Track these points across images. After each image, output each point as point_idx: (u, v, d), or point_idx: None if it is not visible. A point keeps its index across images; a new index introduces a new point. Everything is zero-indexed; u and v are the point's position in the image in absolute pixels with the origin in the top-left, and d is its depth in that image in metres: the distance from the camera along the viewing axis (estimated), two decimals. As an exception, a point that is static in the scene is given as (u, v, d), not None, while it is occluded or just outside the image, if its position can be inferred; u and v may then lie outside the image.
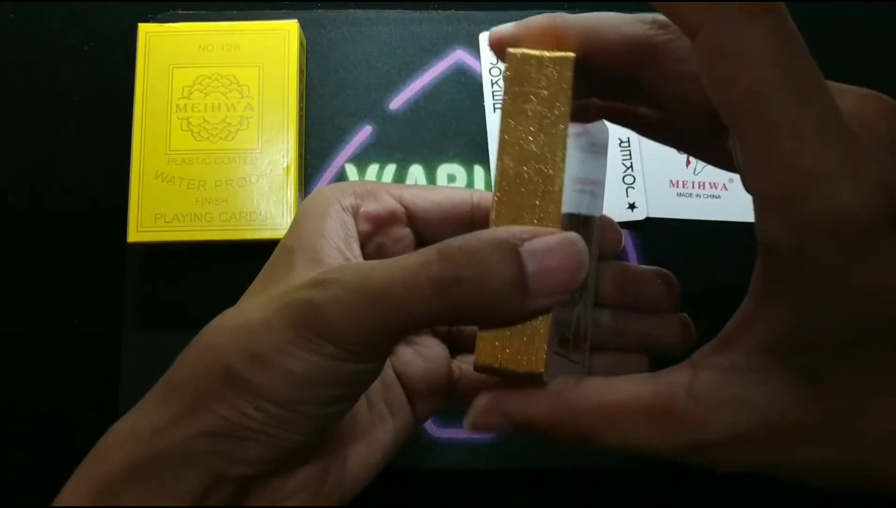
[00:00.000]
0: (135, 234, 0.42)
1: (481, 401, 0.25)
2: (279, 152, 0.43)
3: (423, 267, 0.23)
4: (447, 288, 0.23)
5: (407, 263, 0.24)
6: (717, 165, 0.30)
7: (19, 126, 0.47)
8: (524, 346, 0.24)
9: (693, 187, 0.45)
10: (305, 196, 0.45)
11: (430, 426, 0.42)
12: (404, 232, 0.31)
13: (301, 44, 0.46)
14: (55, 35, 0.48)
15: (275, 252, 0.29)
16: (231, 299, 0.29)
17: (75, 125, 0.47)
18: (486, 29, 0.47)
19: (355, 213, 0.29)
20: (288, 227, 0.30)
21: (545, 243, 0.23)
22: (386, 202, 0.30)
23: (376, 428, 0.30)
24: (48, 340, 0.44)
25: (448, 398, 0.32)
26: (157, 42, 0.45)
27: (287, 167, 0.43)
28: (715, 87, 0.21)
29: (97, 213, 0.45)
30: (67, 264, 0.45)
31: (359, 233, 0.29)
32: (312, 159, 0.46)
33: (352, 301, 0.24)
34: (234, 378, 0.25)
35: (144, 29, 0.45)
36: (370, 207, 0.30)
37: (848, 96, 0.22)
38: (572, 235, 0.24)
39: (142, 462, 0.25)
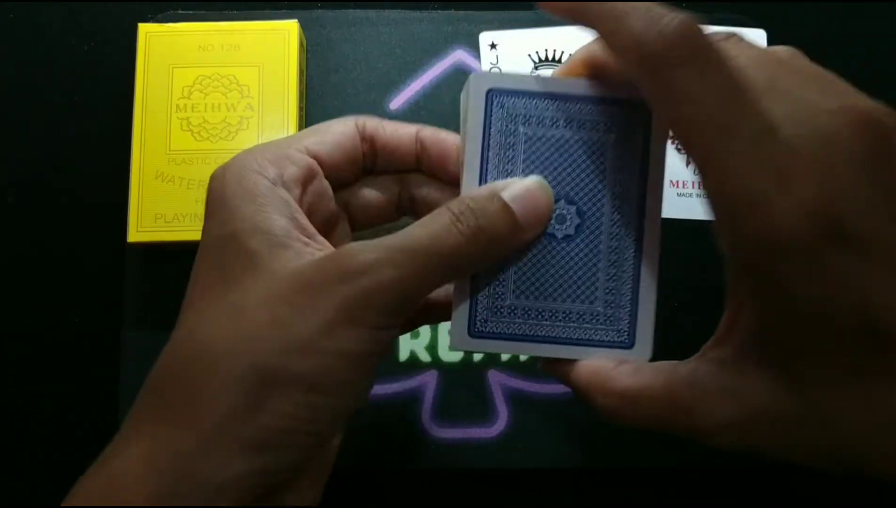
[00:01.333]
0: (135, 234, 0.42)
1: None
2: (279, 152, 0.43)
3: (450, 224, 0.26)
4: (476, 236, 0.27)
5: (430, 224, 0.27)
6: None
7: (19, 126, 0.47)
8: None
9: (693, 187, 0.45)
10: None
11: (430, 426, 0.42)
12: (323, 185, 0.31)
13: (301, 44, 0.46)
14: (55, 35, 0.48)
15: (209, 244, 0.27)
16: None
17: (75, 125, 0.47)
18: (487, 29, 0.47)
19: (283, 183, 0.28)
20: None
21: (520, 186, 0.28)
22: (301, 160, 0.29)
23: None
24: (48, 340, 0.44)
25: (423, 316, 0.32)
26: (157, 42, 0.45)
27: (287, 167, 0.43)
28: (666, 124, 0.24)
29: (97, 213, 0.45)
30: (67, 264, 0.45)
31: (298, 199, 0.28)
32: (312, 159, 0.46)
33: (398, 263, 0.25)
34: (272, 377, 0.24)
35: (144, 29, 0.45)
36: (291, 171, 0.29)
37: (822, 114, 0.23)
38: (538, 178, 0.28)
39: (166, 495, 0.23)
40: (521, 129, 0.29)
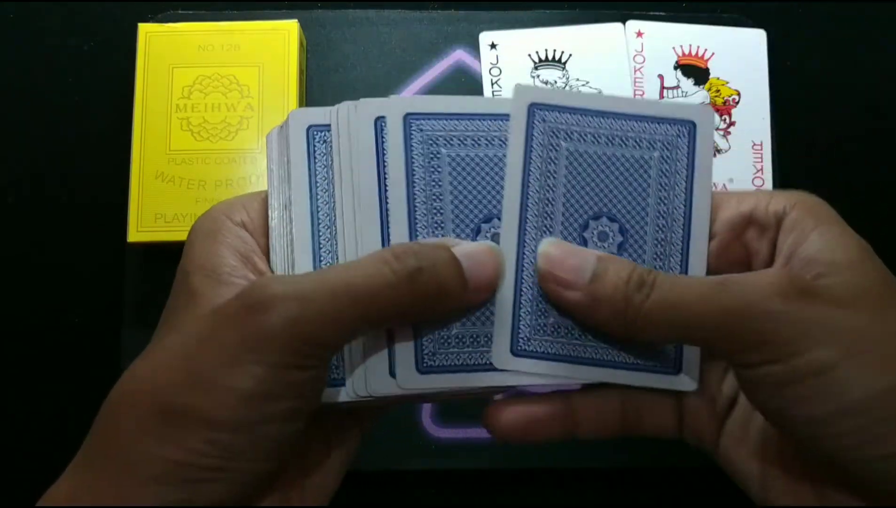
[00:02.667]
0: (135, 234, 0.42)
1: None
2: (279, 152, 0.43)
3: (383, 263, 0.24)
4: (412, 277, 0.24)
5: (364, 263, 0.24)
6: None
7: (20, 126, 0.47)
8: None
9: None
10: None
11: (430, 426, 0.42)
12: None
13: (301, 44, 0.46)
14: (55, 35, 0.48)
15: (174, 282, 0.27)
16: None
17: (75, 125, 0.47)
18: (486, 29, 0.47)
19: (251, 227, 0.28)
20: None
21: (471, 245, 0.26)
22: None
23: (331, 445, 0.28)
24: (48, 340, 0.44)
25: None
26: (157, 42, 0.45)
27: (287, 167, 0.43)
28: None
29: (97, 213, 0.45)
30: (67, 264, 0.45)
31: (262, 247, 0.28)
32: (312, 159, 0.46)
33: (309, 299, 0.23)
34: (175, 414, 0.23)
35: (144, 29, 0.45)
36: (257, 212, 0.28)
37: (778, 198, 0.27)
38: (489, 243, 0.27)
39: None
40: (564, 144, 0.28)
